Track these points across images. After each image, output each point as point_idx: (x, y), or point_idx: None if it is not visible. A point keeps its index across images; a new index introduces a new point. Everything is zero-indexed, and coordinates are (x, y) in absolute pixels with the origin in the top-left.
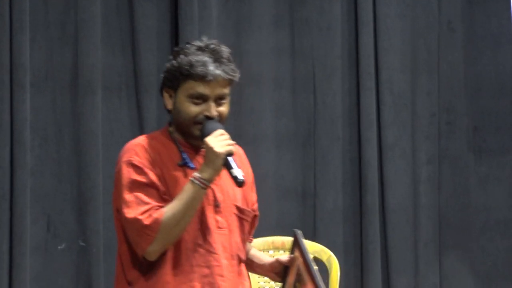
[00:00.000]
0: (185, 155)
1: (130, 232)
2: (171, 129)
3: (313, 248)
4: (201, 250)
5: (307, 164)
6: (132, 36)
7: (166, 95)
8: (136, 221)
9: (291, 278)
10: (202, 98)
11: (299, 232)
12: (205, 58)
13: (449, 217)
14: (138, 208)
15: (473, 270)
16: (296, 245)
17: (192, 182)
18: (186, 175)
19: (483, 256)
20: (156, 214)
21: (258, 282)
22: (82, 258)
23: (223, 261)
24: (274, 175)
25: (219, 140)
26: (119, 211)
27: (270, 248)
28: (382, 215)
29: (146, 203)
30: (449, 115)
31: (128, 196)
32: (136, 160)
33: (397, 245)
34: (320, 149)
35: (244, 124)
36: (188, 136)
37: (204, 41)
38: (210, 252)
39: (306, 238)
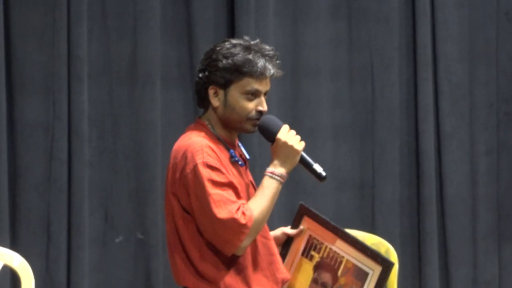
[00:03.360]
0: (232, 152)
1: (222, 231)
2: (210, 126)
3: (371, 240)
4: (262, 239)
5: (364, 155)
6: (189, 28)
7: (211, 92)
8: (231, 220)
9: (296, 248)
10: (255, 94)
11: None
12: (259, 56)
13: (509, 208)
14: (228, 207)
15: None
16: (304, 216)
17: (272, 177)
18: (239, 172)
19: None
20: (248, 212)
21: None
22: (141, 250)
23: (274, 245)
24: (332, 167)
25: (292, 137)
26: (199, 211)
27: None
28: (440, 206)
29: (234, 202)
30: (508, 106)
31: (214, 196)
32: (211, 161)
33: (455, 236)
34: (377, 140)
35: (301, 116)
36: (239, 132)
37: (245, 40)
38: (267, 238)
39: (364, 230)
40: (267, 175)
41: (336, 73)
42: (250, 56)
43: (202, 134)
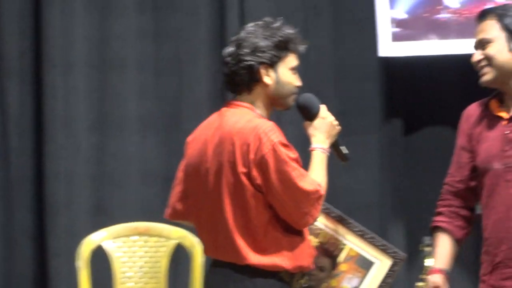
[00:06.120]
0: None
1: (305, 203)
2: (255, 107)
3: (177, 234)
4: None
5: (171, 148)
6: None
7: (263, 72)
8: (315, 192)
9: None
10: (295, 69)
11: None
12: (295, 33)
13: None
14: (308, 180)
15: None
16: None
17: (324, 152)
18: None
19: None
20: (321, 184)
21: None
22: None
23: None
24: (138, 160)
25: (332, 116)
26: (281, 187)
27: (134, 234)
28: None
29: (308, 175)
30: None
31: (296, 171)
32: (284, 140)
33: None
34: (184, 133)
35: (108, 108)
36: (279, 108)
37: (269, 21)
38: None
39: (168, 223)
40: (318, 149)
41: (143, 66)
42: (291, 34)
43: (255, 114)
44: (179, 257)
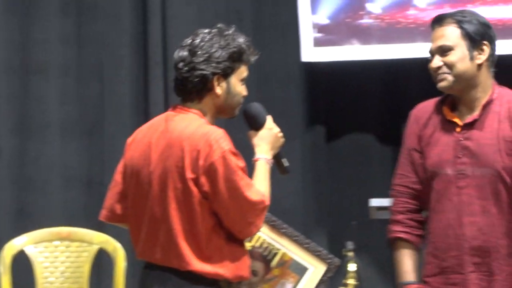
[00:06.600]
0: None
1: (251, 213)
2: (203, 115)
3: (99, 238)
4: None
5: (93, 152)
6: None
7: (216, 82)
8: (261, 202)
9: None
10: (244, 81)
11: None
12: (248, 44)
13: None
14: (255, 190)
15: None
16: None
17: (266, 163)
18: None
19: None
20: (265, 195)
21: None
22: None
23: None
24: (60, 164)
25: (276, 127)
26: (228, 195)
27: (56, 239)
28: None
29: (255, 185)
30: None
31: (244, 181)
32: (233, 148)
33: None
34: (107, 138)
35: (30, 112)
36: (226, 117)
37: (222, 28)
38: None
39: (92, 228)
40: (262, 160)
41: (65, 70)
42: (244, 45)
43: (205, 121)
44: (102, 262)
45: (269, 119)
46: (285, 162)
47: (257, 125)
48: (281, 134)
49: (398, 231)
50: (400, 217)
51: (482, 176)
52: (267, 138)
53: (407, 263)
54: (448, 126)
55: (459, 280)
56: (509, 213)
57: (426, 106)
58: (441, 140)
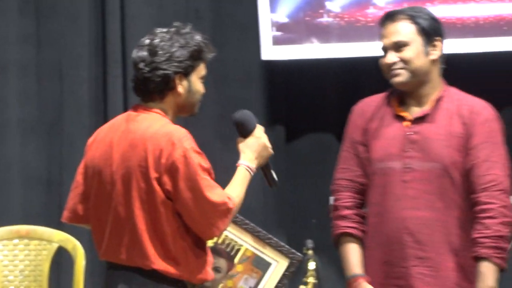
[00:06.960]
0: None
1: (211, 214)
2: (165, 114)
3: (58, 236)
4: None
5: (52, 152)
6: None
7: (178, 82)
8: (223, 204)
9: None
10: (204, 78)
11: None
12: (206, 42)
13: None
14: (218, 191)
15: None
16: None
17: (247, 170)
18: None
19: None
20: (232, 198)
21: None
22: None
23: None
24: (19, 164)
25: (266, 137)
26: (189, 195)
27: (15, 237)
28: None
29: (219, 187)
30: None
31: (205, 181)
32: (197, 147)
33: None
34: (66, 137)
35: None
36: (187, 115)
37: (180, 26)
38: None
39: (51, 226)
40: (243, 167)
41: (24, 70)
42: (202, 43)
43: (167, 120)
44: (61, 260)
45: (258, 128)
46: (273, 174)
47: (245, 133)
48: (269, 145)
49: (346, 226)
50: (346, 212)
51: (429, 170)
52: (253, 146)
53: (354, 256)
54: (395, 120)
55: (401, 274)
56: (455, 208)
57: (372, 101)
58: (387, 133)
